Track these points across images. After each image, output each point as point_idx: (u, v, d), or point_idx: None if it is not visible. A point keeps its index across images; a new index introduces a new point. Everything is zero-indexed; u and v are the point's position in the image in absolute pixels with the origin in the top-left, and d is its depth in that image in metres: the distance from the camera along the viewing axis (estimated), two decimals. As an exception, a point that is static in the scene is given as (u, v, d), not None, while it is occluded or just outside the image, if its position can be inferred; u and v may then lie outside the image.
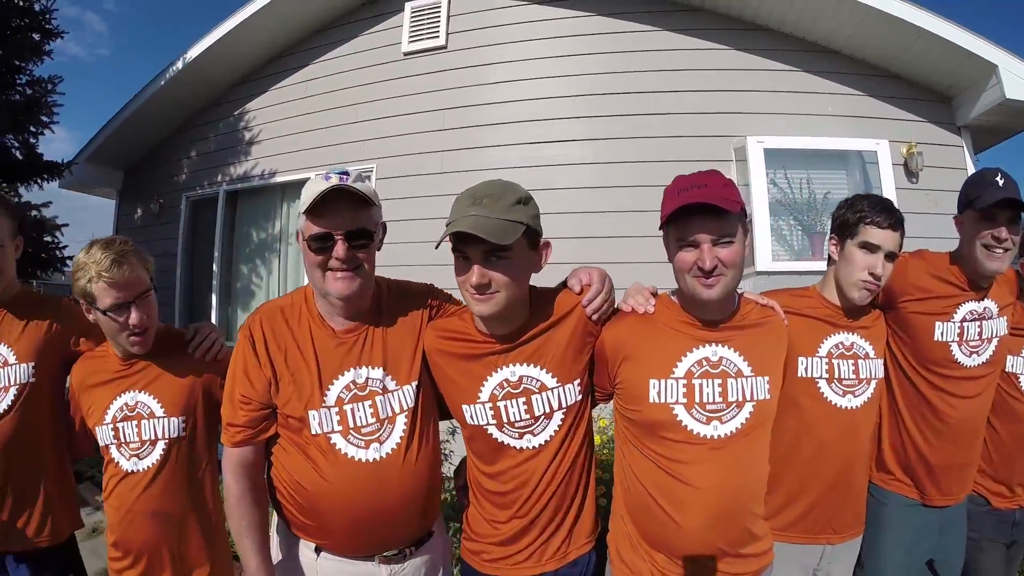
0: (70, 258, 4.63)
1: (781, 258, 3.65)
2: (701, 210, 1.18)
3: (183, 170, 5.01)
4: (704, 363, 1.28)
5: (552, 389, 1.29)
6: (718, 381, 1.27)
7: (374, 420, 1.25)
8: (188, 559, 1.52)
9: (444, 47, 4.34)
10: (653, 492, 1.27)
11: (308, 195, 1.23)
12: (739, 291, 1.39)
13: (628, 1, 4.17)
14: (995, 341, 1.65)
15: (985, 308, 1.65)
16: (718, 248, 1.21)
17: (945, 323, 1.62)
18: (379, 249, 1.33)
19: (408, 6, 4.49)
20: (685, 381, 1.27)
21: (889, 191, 3.85)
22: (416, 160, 4.19)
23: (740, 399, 1.27)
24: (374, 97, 4.40)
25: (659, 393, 1.27)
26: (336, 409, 1.25)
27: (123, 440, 1.48)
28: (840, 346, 1.56)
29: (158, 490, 1.48)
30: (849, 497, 1.57)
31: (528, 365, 1.29)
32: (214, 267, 4.63)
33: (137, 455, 1.47)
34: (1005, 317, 1.68)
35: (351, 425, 1.25)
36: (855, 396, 1.54)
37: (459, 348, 1.31)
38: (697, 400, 1.26)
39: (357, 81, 4.48)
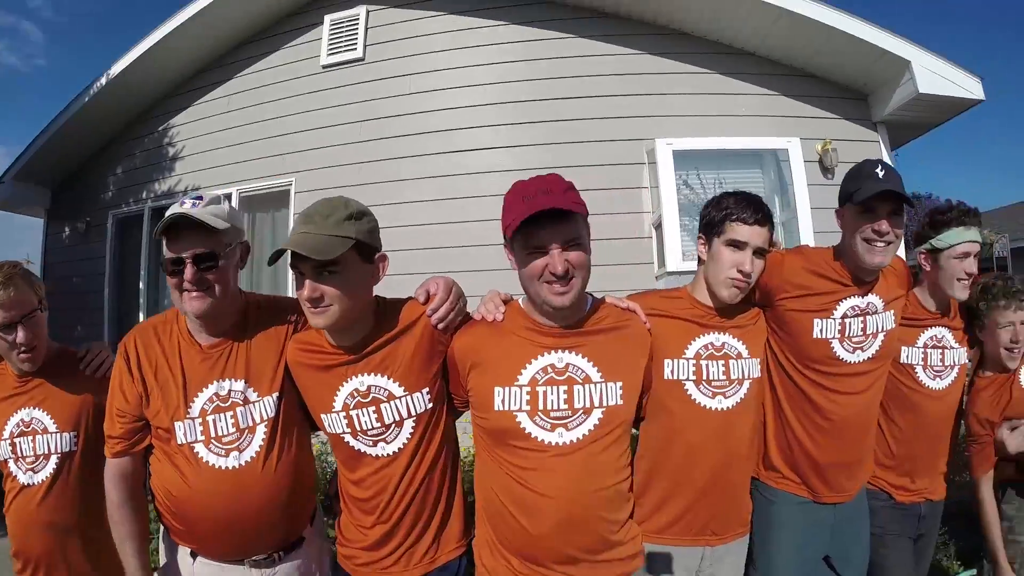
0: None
1: (691, 258, 3.67)
2: (549, 215, 1.19)
3: (110, 187, 4.98)
4: (549, 370, 1.30)
5: (400, 398, 1.32)
6: (563, 388, 1.28)
7: (234, 430, 1.33)
8: (80, 568, 1.59)
9: (362, 59, 4.34)
10: (504, 499, 1.29)
11: (161, 222, 1.31)
12: (601, 295, 1.42)
13: (541, 9, 4.18)
14: (881, 336, 1.63)
15: (868, 303, 1.63)
16: (568, 252, 1.23)
17: (824, 320, 1.59)
18: (241, 267, 1.43)
19: (328, 18, 4.49)
20: (529, 389, 1.28)
21: (802, 188, 3.87)
22: (333, 173, 4.18)
23: (588, 405, 1.28)
24: (293, 111, 4.39)
25: (503, 401, 1.28)
26: (200, 420, 1.33)
27: (19, 454, 1.56)
28: (710, 347, 1.52)
29: (52, 502, 1.56)
30: (726, 499, 1.53)
31: (375, 375, 1.33)
32: (140, 285, 4.61)
33: (32, 469, 1.56)
34: (893, 311, 1.66)
35: (212, 435, 1.32)
36: (726, 397, 1.50)
37: (314, 360, 1.36)
38: (540, 407, 1.27)
39: (277, 95, 4.47)
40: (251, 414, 1.34)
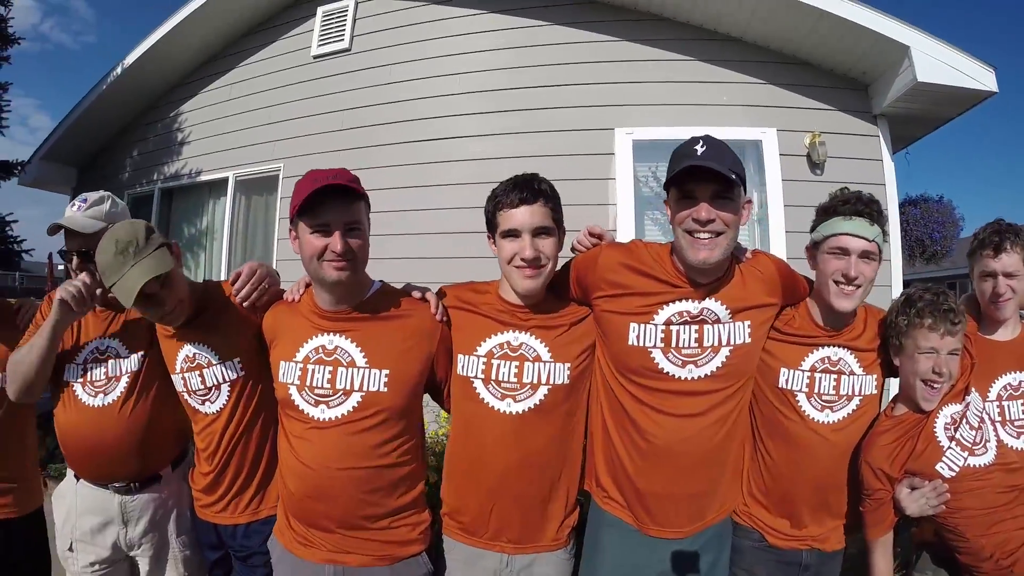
0: (27, 251, 5.06)
1: None
2: (334, 196, 1.28)
3: (126, 169, 5.39)
4: (320, 350, 1.39)
5: (216, 365, 1.53)
6: (329, 368, 1.36)
7: (104, 378, 1.61)
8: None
9: (348, 49, 4.48)
10: (281, 462, 1.47)
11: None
12: (392, 282, 1.49)
13: (520, -2, 4.18)
14: (726, 350, 1.39)
15: (704, 309, 1.38)
16: (349, 236, 1.32)
17: (643, 325, 1.38)
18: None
19: (320, 10, 4.64)
20: (301, 365, 1.39)
21: (775, 183, 3.70)
22: (318, 159, 4.34)
23: (348, 388, 1.35)
24: (285, 99, 4.59)
25: (283, 374, 1.42)
26: (82, 367, 1.63)
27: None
28: (505, 346, 1.42)
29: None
30: (521, 508, 1.43)
31: (198, 344, 1.54)
32: (149, 261, 4.98)
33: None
34: (748, 322, 1.41)
35: (89, 379, 1.61)
36: (516, 401, 1.40)
37: (162, 330, 1.60)
38: (308, 383, 1.37)
39: (271, 84, 4.69)
40: (119, 366, 1.62)
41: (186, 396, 1.58)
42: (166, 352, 1.59)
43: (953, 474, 1.43)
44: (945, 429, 1.47)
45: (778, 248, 3.54)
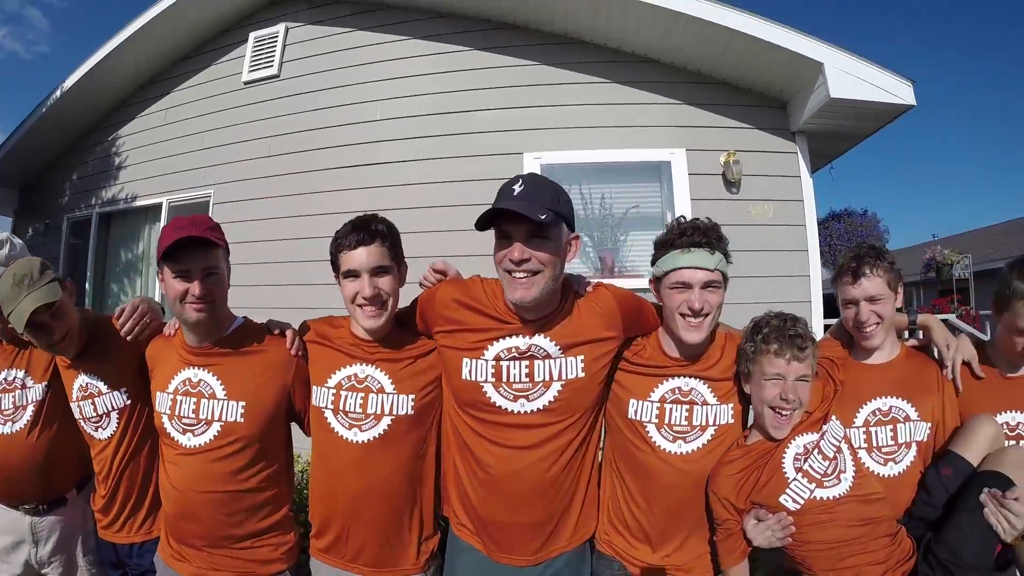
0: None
1: None
2: (194, 244, 1.43)
3: (66, 192, 5.42)
4: (187, 383, 1.53)
5: (105, 393, 1.65)
6: (193, 400, 1.50)
7: (11, 407, 1.72)
8: None
9: (277, 76, 4.52)
10: (160, 488, 1.61)
11: None
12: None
13: (441, 23, 4.20)
14: (557, 385, 1.41)
15: (532, 345, 1.40)
16: (207, 280, 1.46)
17: (474, 360, 1.42)
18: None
19: (252, 35, 4.69)
20: (172, 396, 1.53)
21: (683, 202, 3.72)
22: (246, 185, 4.40)
23: (209, 418, 1.49)
24: (217, 125, 4.63)
25: (159, 403, 1.56)
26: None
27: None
28: (353, 378, 1.49)
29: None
30: (376, 533, 1.48)
31: (89, 374, 1.67)
32: (87, 286, 5.04)
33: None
34: (582, 356, 1.41)
35: (1, 408, 1.73)
36: (362, 430, 1.46)
37: (60, 361, 1.72)
38: (176, 413, 1.52)
39: (204, 110, 4.72)
40: (25, 396, 1.73)
41: (82, 423, 1.70)
42: (65, 382, 1.70)
43: (797, 507, 1.40)
44: (795, 460, 1.42)
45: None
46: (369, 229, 1.45)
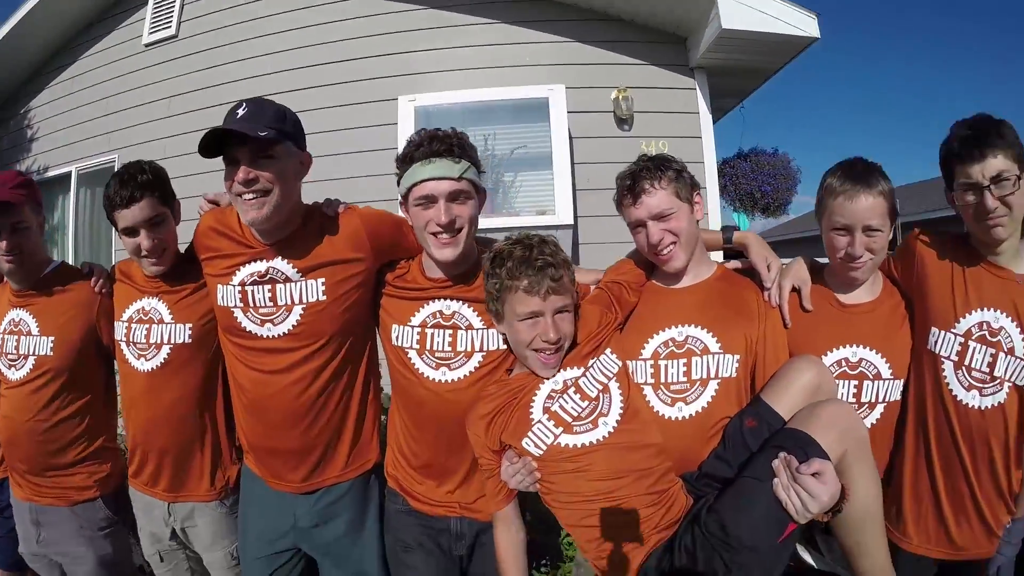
0: None
1: None
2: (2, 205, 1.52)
3: (-17, 166, 5.42)
4: (11, 323, 1.67)
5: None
6: (15, 338, 1.66)
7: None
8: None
9: (175, 36, 4.47)
10: None
11: None
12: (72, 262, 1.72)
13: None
14: (299, 309, 1.39)
15: (271, 268, 1.39)
16: (15, 235, 1.58)
17: (225, 286, 1.43)
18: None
19: (151, -3, 4.63)
20: (1, 336, 1.68)
21: (560, 142, 3.58)
22: (149, 148, 4.34)
23: (26, 353, 1.64)
24: (119, 90, 4.59)
25: None
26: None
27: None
28: (140, 311, 1.62)
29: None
30: (168, 459, 1.58)
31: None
32: None
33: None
34: (323, 280, 1.39)
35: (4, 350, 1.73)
36: (147, 360, 1.58)
37: None
38: (4, 350, 1.67)
39: (108, 75, 4.68)
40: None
41: None
42: None
43: (540, 453, 1.24)
44: (548, 399, 1.26)
45: (564, 205, 3.51)
46: (136, 183, 1.49)
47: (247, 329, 1.43)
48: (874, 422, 1.37)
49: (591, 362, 1.29)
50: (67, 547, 1.67)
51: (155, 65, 4.50)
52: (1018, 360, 1.31)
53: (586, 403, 1.25)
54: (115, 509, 1.71)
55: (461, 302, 1.40)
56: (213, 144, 1.31)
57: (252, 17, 4.25)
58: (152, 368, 1.57)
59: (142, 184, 1.50)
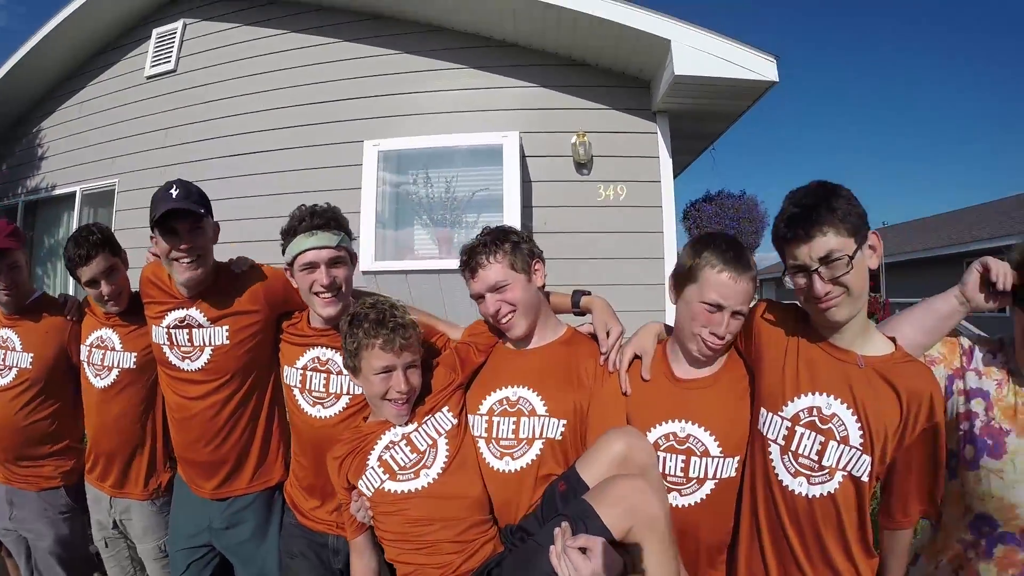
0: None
1: (385, 257, 3.81)
2: None
3: (-3, 182, 5.83)
4: (1, 340, 1.97)
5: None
6: (2, 352, 1.94)
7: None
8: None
9: (174, 71, 4.79)
10: None
11: None
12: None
13: (314, 17, 4.41)
14: (209, 350, 1.67)
15: (188, 316, 1.69)
16: (11, 272, 1.89)
17: (156, 328, 1.72)
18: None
19: (155, 32, 4.96)
20: None
21: (512, 188, 3.75)
22: (145, 175, 4.67)
23: (11, 365, 1.94)
24: (123, 118, 4.93)
25: None
26: None
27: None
28: (98, 339, 1.90)
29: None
30: (113, 461, 1.88)
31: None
32: (15, 270, 5.40)
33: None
34: (227, 327, 1.67)
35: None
36: (101, 379, 1.87)
37: None
38: None
39: (112, 103, 5.03)
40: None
41: None
42: None
43: (369, 494, 1.40)
44: (386, 449, 1.41)
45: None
46: (90, 243, 1.77)
47: (172, 363, 1.72)
48: (702, 499, 1.34)
49: (426, 419, 1.44)
50: (32, 524, 1.99)
51: (155, 97, 4.82)
52: (852, 449, 1.22)
53: (414, 455, 1.40)
54: (75, 498, 2.03)
55: (334, 350, 1.59)
56: (160, 218, 1.58)
57: (242, 56, 4.56)
58: (105, 385, 1.87)
59: (94, 243, 1.78)
